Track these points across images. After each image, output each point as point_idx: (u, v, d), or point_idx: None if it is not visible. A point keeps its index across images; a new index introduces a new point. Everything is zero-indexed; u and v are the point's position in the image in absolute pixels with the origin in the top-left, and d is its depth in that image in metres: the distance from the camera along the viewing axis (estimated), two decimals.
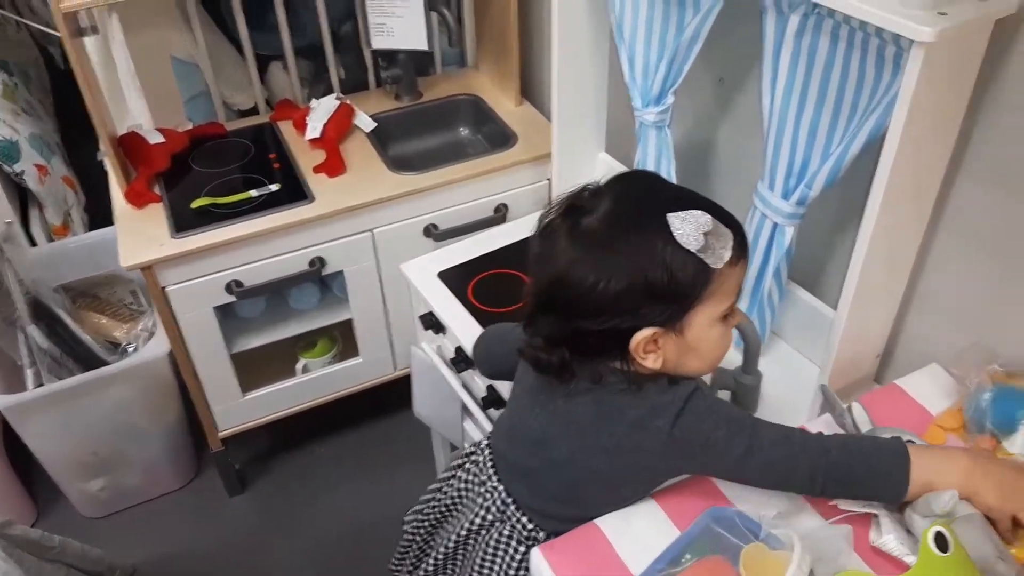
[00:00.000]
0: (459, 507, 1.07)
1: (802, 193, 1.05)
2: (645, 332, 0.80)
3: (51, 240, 1.96)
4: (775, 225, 1.10)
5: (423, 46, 1.63)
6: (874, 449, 0.83)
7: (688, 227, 0.78)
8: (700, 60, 1.16)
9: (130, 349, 1.69)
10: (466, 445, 1.43)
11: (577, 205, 0.83)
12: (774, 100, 1.03)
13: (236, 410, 1.71)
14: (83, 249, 1.88)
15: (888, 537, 0.81)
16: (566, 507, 0.93)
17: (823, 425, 0.98)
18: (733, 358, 1.08)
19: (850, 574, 0.67)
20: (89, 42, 1.67)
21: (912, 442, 0.85)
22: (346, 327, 1.74)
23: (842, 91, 0.96)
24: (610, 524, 0.89)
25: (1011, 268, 0.95)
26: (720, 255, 0.79)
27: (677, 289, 0.79)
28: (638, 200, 0.83)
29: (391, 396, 1.83)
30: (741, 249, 0.82)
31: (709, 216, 0.79)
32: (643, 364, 0.83)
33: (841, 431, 0.93)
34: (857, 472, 0.82)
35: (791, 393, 1.15)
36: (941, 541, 0.67)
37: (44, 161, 1.99)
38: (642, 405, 0.84)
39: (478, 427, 1.41)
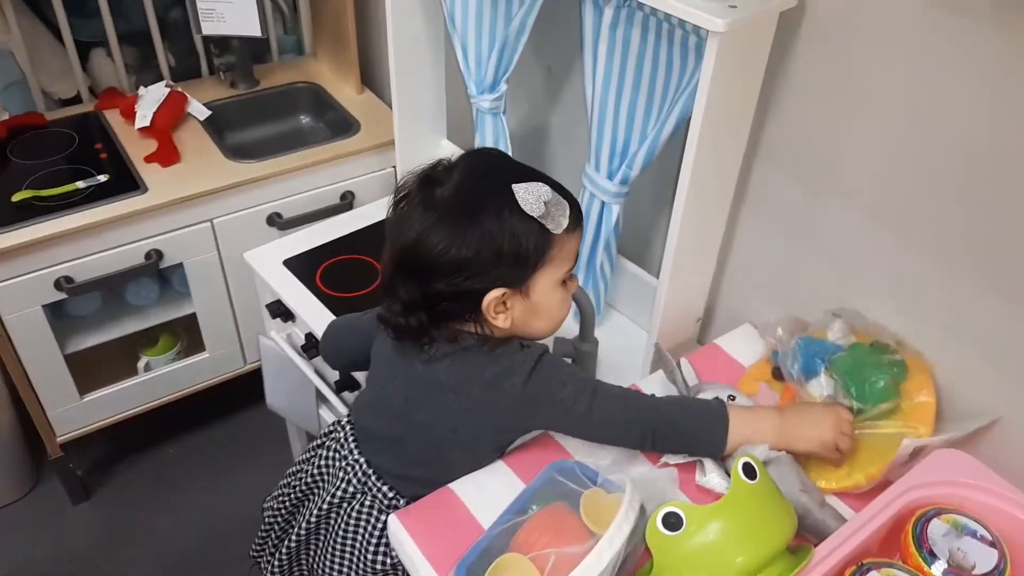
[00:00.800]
0: (320, 484, 1.10)
1: (624, 173, 1.14)
2: (495, 292, 0.87)
3: None
4: (603, 204, 1.19)
5: (256, 32, 1.61)
6: (698, 410, 0.93)
7: (531, 196, 0.86)
8: (531, 51, 1.24)
9: None
10: (322, 431, 1.45)
11: (431, 177, 0.89)
12: (595, 87, 1.12)
13: (74, 414, 1.63)
14: None
15: (712, 475, 0.92)
16: (428, 470, 0.97)
17: (656, 382, 1.09)
18: (571, 328, 1.17)
19: (672, 504, 0.75)
20: None
21: (734, 403, 0.96)
22: (190, 322, 1.69)
23: (654, 78, 1.06)
24: (462, 486, 0.94)
25: (800, 239, 1.09)
26: (559, 222, 0.87)
27: (521, 252, 0.86)
28: (486, 172, 0.91)
29: (241, 391, 1.80)
30: (577, 218, 0.91)
31: (548, 187, 0.88)
32: (494, 324, 0.89)
33: (672, 387, 1.04)
34: (683, 429, 0.92)
35: (625, 357, 1.25)
36: (749, 470, 0.78)
37: None
38: (497, 364, 0.91)
39: (333, 412, 1.43)
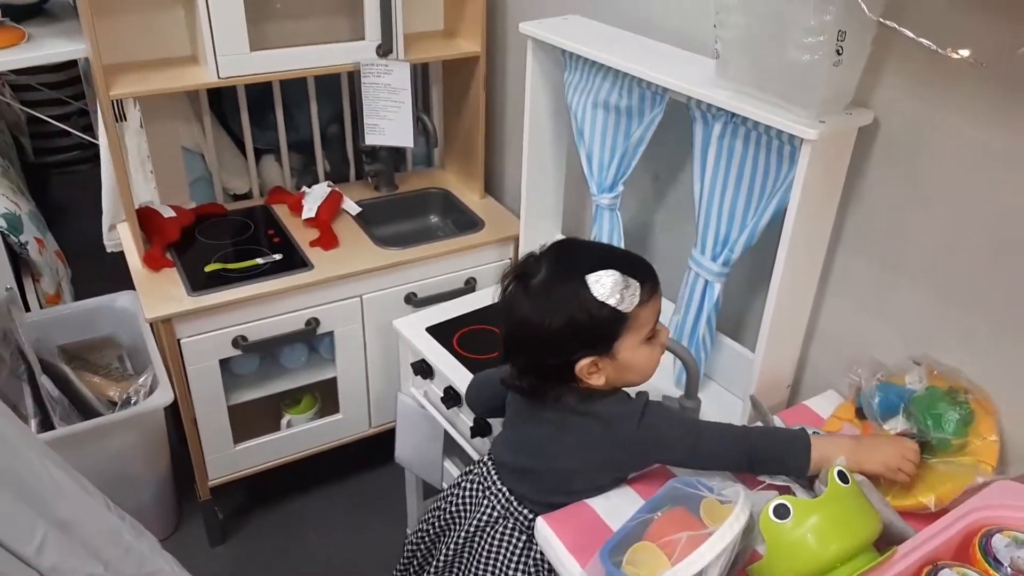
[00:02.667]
0: (463, 513, 1.29)
1: (726, 256, 1.37)
2: (584, 361, 1.08)
3: (43, 307, 2.10)
4: (706, 282, 1.41)
5: (409, 144, 1.93)
6: (785, 436, 1.12)
7: (602, 287, 1.06)
8: (640, 159, 1.50)
9: (132, 402, 1.84)
10: (444, 484, 1.66)
11: (525, 271, 1.11)
12: (703, 186, 1.37)
13: (227, 460, 1.86)
14: (77, 316, 2.04)
15: (800, 495, 1.09)
16: (561, 497, 1.16)
17: None
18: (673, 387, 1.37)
19: (781, 497, 0.93)
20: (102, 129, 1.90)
21: (817, 433, 1.14)
22: (327, 386, 1.94)
23: (753, 178, 1.30)
24: (594, 501, 1.13)
25: (877, 313, 1.28)
26: (630, 302, 1.06)
27: (599, 328, 1.06)
28: (567, 264, 1.10)
29: (366, 451, 2.02)
30: (651, 290, 1.09)
31: (618, 274, 1.06)
32: (589, 383, 1.10)
33: None
34: (774, 453, 1.10)
35: (723, 417, 1.43)
36: (843, 476, 0.95)
37: (41, 235, 2.16)
38: (609, 413, 1.12)
39: (459, 462, 1.64)
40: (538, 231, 1.81)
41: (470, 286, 1.95)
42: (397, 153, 2.15)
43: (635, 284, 1.07)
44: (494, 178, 2.18)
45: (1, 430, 0.78)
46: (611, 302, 1.05)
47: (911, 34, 0.82)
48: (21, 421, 0.93)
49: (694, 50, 1.41)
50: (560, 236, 1.84)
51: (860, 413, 1.21)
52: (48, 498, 0.77)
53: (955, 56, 0.76)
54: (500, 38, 2.00)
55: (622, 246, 1.59)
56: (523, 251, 1.82)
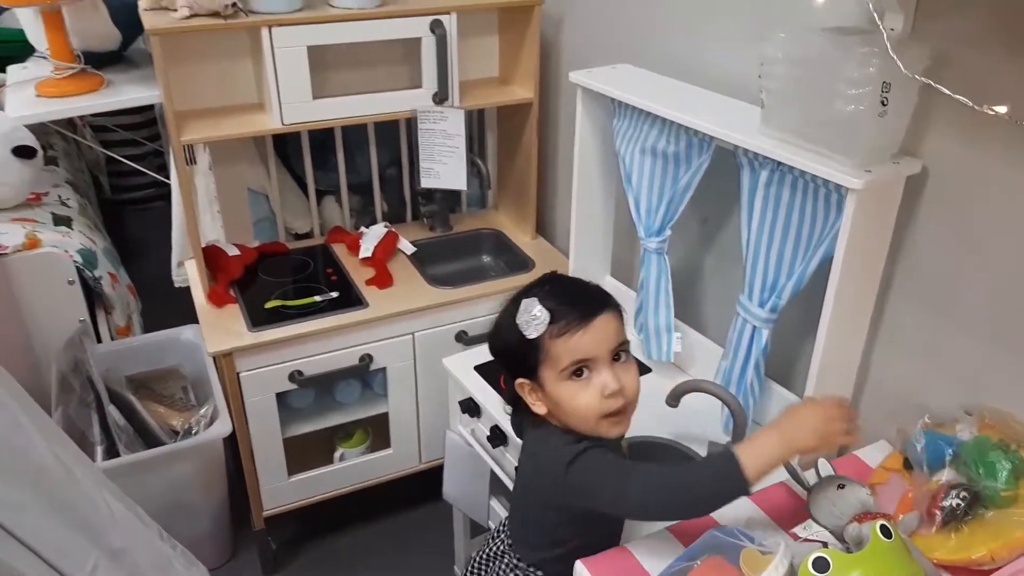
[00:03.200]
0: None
1: (773, 303, 1.37)
2: (520, 380, 1.11)
3: (114, 339, 2.21)
4: (754, 328, 1.41)
5: (463, 187, 1.99)
6: (710, 461, 1.11)
7: (523, 310, 1.07)
8: (688, 204, 1.52)
9: (193, 432, 1.91)
10: (490, 523, 1.67)
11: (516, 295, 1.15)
12: (750, 233, 1.37)
13: (281, 492, 1.92)
14: (145, 347, 2.14)
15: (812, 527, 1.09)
16: (532, 530, 1.22)
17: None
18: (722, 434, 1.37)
19: (821, 550, 0.92)
20: (174, 170, 2.00)
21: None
22: (379, 421, 1.98)
23: (800, 226, 1.30)
24: (635, 547, 1.13)
25: (929, 361, 1.26)
26: (534, 330, 1.06)
27: (517, 352, 1.09)
28: (528, 288, 1.13)
29: (415, 487, 2.05)
30: (567, 327, 1.05)
31: (534, 301, 1.06)
32: (533, 408, 1.11)
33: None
34: (707, 484, 1.04)
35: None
36: (886, 531, 0.94)
37: (114, 270, 2.27)
38: (540, 452, 1.15)
39: (503, 505, 1.65)
40: (587, 272, 1.83)
41: None
42: (452, 195, 2.21)
43: (543, 315, 1.06)
44: (546, 220, 2.21)
45: (65, 463, 0.83)
46: (521, 326, 1.07)
47: (948, 91, 0.82)
48: (83, 453, 0.98)
49: (741, 98, 1.42)
50: (609, 278, 1.86)
51: (908, 463, 1.19)
52: (102, 527, 0.82)
53: (991, 113, 0.76)
54: (553, 85, 2.05)
55: (669, 290, 1.60)
56: None
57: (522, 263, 2.07)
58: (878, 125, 1.11)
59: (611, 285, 1.85)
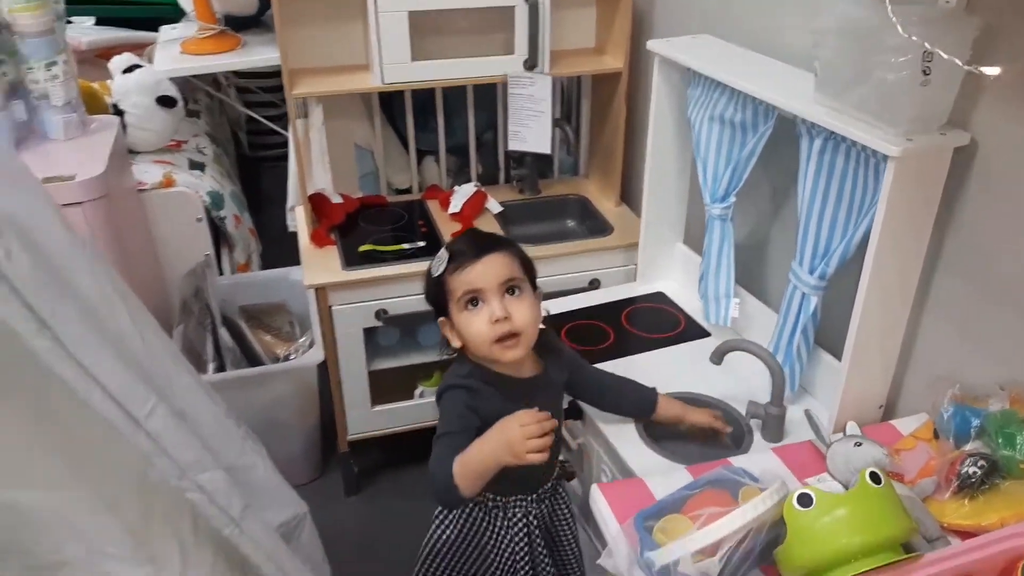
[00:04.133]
0: None
1: (822, 270, 1.40)
2: (441, 318, 1.28)
3: (234, 273, 2.47)
4: (803, 295, 1.44)
5: (546, 150, 2.10)
6: (444, 463, 1.18)
7: (434, 259, 1.26)
8: (762, 172, 1.55)
9: (291, 358, 2.13)
10: None
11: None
12: (804, 199, 1.41)
13: (364, 420, 2.10)
14: (259, 283, 2.39)
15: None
16: None
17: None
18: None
19: (807, 487, 0.98)
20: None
21: None
22: None
23: (852, 194, 1.33)
24: (649, 478, 1.22)
25: (977, 341, 1.27)
26: (436, 268, 1.25)
27: (432, 292, 1.28)
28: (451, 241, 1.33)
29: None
30: (459, 264, 1.22)
31: (443, 249, 1.26)
32: (452, 343, 1.27)
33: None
34: (437, 480, 1.17)
35: (811, 433, 1.45)
36: (875, 477, 0.98)
37: (239, 213, 2.53)
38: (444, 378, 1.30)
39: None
40: (660, 238, 1.91)
41: (594, 286, 2.07)
42: (543, 160, 2.32)
43: (444, 255, 1.25)
44: (631, 188, 2.28)
45: (146, 338, 1.00)
46: (431, 269, 1.27)
47: (944, 54, 0.85)
48: (165, 334, 1.16)
49: (807, 68, 1.45)
50: (680, 244, 1.92)
51: (937, 433, 1.21)
52: (166, 388, 0.98)
53: (978, 73, 0.79)
54: (645, 55, 2.10)
55: (731, 256, 1.65)
56: (641, 264, 1.92)
57: (602, 228, 2.16)
58: (921, 94, 1.13)
59: (681, 252, 1.91)
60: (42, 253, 0.83)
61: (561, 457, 1.46)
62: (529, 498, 1.36)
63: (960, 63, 0.83)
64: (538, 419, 1.15)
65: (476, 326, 1.23)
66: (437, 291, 1.27)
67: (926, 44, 1.07)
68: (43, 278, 0.79)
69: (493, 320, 1.21)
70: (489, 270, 1.23)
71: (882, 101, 1.16)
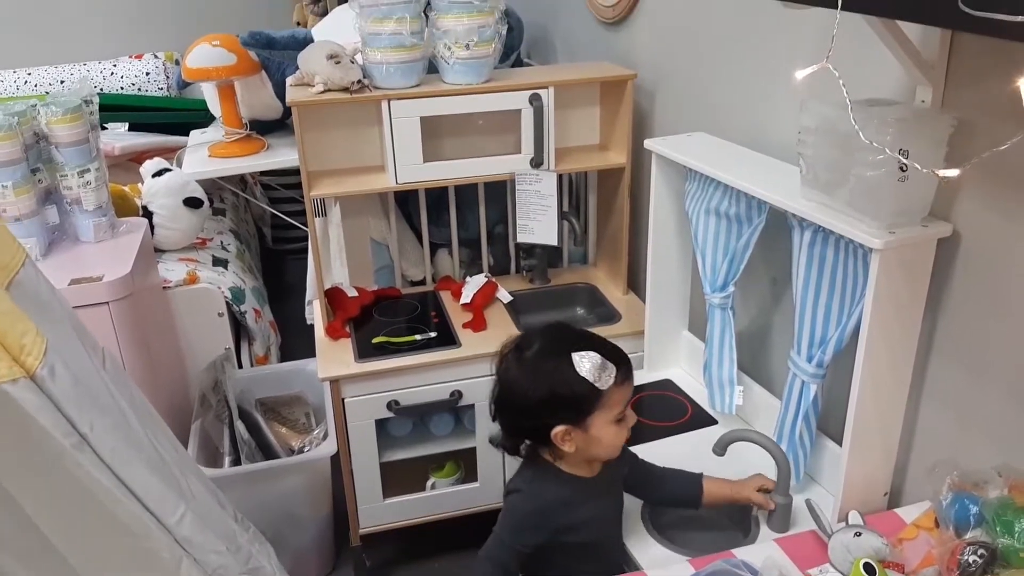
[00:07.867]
0: None
1: (819, 358, 1.42)
2: (560, 428, 1.25)
3: (253, 365, 2.53)
4: (803, 383, 1.47)
5: (553, 242, 2.16)
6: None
7: (584, 363, 1.23)
8: (761, 264, 1.60)
9: (305, 450, 2.16)
10: None
11: (521, 344, 1.31)
12: (798, 290, 1.45)
13: (376, 512, 2.11)
14: (277, 375, 2.44)
15: None
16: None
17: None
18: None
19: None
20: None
21: None
22: (469, 455, 2.14)
23: (844, 284, 1.37)
24: (651, 571, 1.23)
25: (974, 426, 1.28)
26: (606, 382, 1.23)
27: (576, 401, 1.24)
28: (557, 342, 1.29)
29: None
30: (624, 375, 1.26)
31: (598, 355, 1.24)
32: (562, 449, 1.27)
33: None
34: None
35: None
36: (869, 568, 0.99)
37: (259, 307, 2.61)
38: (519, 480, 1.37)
39: None
40: (666, 326, 1.94)
41: None
42: (552, 251, 2.38)
43: (612, 367, 1.24)
44: (638, 277, 2.33)
45: (165, 446, 1.05)
46: (590, 379, 1.22)
47: (919, 166, 0.90)
48: (179, 443, 1.21)
49: (794, 162, 1.51)
50: (686, 332, 1.95)
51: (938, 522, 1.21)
52: (186, 494, 1.02)
53: (937, 176, 0.84)
54: (646, 151, 2.19)
55: (733, 344, 1.68)
56: (647, 350, 1.95)
57: (610, 315, 2.20)
58: (900, 189, 1.18)
59: (687, 340, 1.94)
60: (77, 372, 0.89)
61: None
62: None
63: (920, 167, 0.88)
64: None
65: (621, 436, 1.29)
66: (581, 401, 1.24)
67: (888, 149, 1.12)
68: (82, 393, 0.85)
69: (629, 433, 1.30)
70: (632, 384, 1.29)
71: (864, 196, 1.21)
